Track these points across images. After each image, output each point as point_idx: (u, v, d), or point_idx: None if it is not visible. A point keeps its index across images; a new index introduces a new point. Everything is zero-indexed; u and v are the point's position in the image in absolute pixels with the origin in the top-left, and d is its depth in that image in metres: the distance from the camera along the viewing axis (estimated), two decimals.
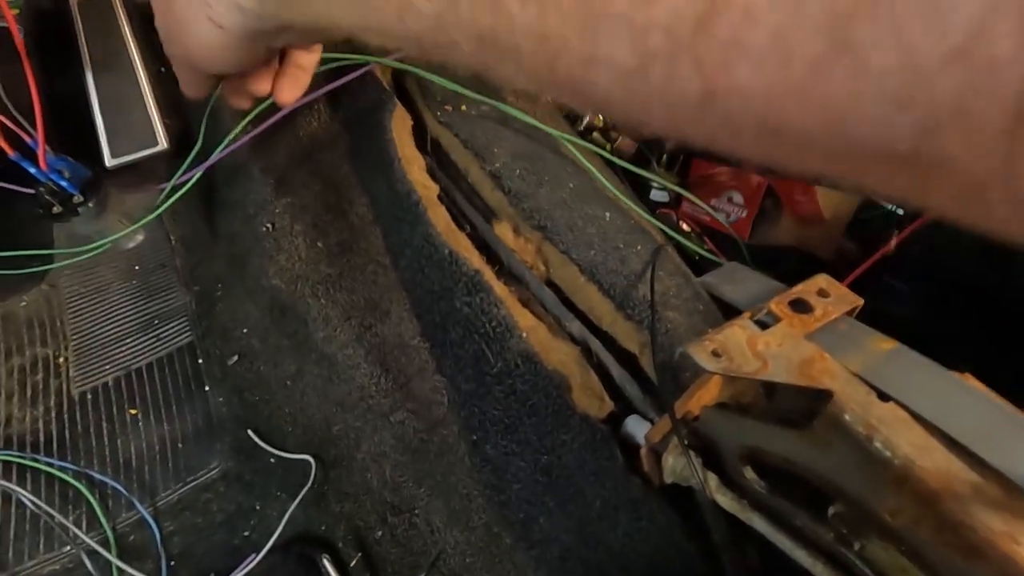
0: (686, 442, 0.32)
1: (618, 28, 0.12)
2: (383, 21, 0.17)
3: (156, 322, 0.64)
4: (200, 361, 0.60)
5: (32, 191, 0.49)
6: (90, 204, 0.48)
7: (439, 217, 0.42)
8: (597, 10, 0.12)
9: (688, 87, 0.11)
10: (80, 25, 0.62)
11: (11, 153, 0.45)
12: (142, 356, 0.61)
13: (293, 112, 0.56)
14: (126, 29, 0.63)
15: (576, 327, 0.40)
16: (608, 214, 0.46)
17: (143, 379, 0.59)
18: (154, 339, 0.63)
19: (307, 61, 0.33)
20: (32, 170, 0.46)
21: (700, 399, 0.33)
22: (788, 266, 0.62)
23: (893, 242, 0.48)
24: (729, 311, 0.40)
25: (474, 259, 0.39)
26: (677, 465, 0.32)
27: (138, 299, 0.66)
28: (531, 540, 0.38)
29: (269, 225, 0.55)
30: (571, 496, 0.35)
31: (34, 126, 0.45)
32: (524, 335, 0.36)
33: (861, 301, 0.27)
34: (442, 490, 0.42)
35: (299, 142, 0.55)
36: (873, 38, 0.09)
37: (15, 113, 0.45)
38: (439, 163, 0.51)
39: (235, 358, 0.59)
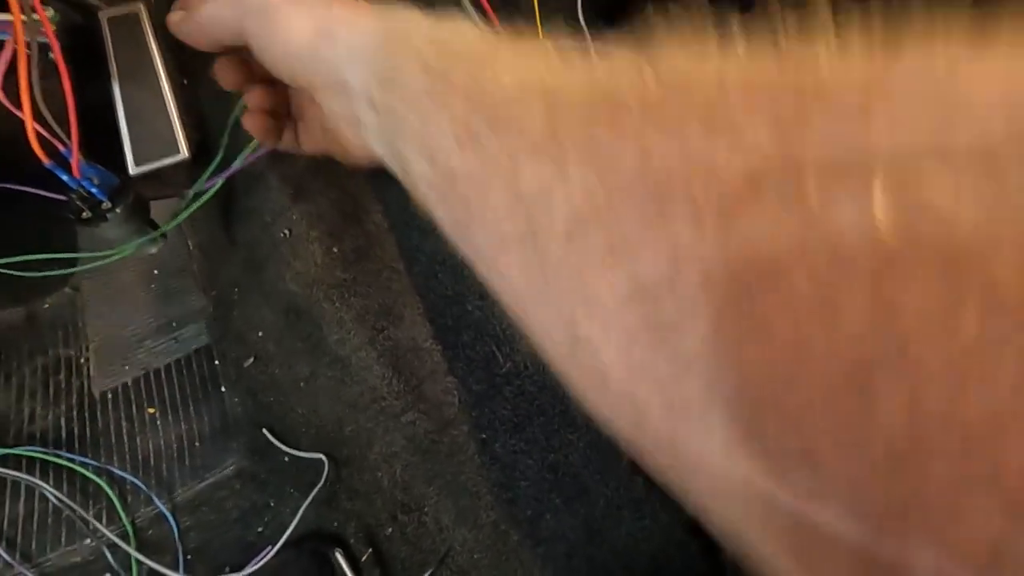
0: None
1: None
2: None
3: (175, 325, 0.66)
4: (216, 363, 0.62)
5: (63, 197, 0.51)
6: (117, 210, 0.50)
7: None
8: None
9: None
10: (109, 39, 0.65)
11: (46, 161, 0.47)
12: (161, 357, 0.63)
13: None
14: (152, 43, 0.66)
15: None
16: None
17: (161, 380, 0.61)
18: (172, 341, 0.65)
19: (318, 130, 0.31)
20: (64, 177, 0.48)
21: None
22: None
23: None
24: None
25: None
26: None
27: (157, 302, 0.68)
28: (538, 538, 0.39)
29: (286, 231, 0.57)
30: (577, 494, 0.36)
31: (68, 135, 0.47)
32: None
33: None
34: (451, 489, 0.44)
35: (323, 161, 0.58)
36: (887, 392, 0.08)
37: (51, 123, 0.47)
38: None
39: (251, 360, 0.60)
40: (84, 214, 0.50)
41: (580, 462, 0.36)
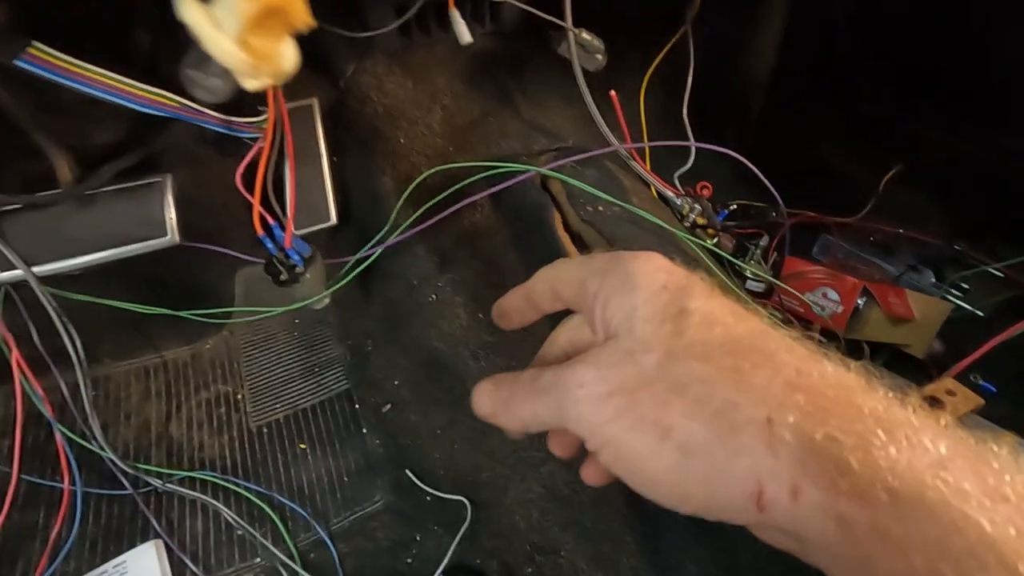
0: None
1: None
2: None
3: (316, 369, 0.75)
4: (357, 406, 0.70)
5: (260, 260, 0.62)
6: (307, 274, 0.60)
7: None
8: None
9: None
10: (288, 125, 0.77)
11: (260, 233, 0.57)
12: (306, 398, 0.72)
13: (461, 207, 0.68)
14: (319, 130, 0.78)
15: None
16: None
17: (308, 418, 0.70)
18: (316, 384, 0.73)
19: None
20: (269, 245, 0.59)
21: None
22: (881, 361, 0.69)
23: (985, 347, 0.55)
24: None
25: None
26: None
27: (300, 348, 0.78)
28: None
29: (433, 296, 0.66)
30: (724, 548, 0.42)
31: (282, 209, 0.58)
32: None
33: (983, 401, 0.35)
34: (591, 535, 0.50)
35: (462, 229, 0.67)
36: None
37: (273, 204, 0.58)
38: None
39: (388, 407, 0.68)
40: (282, 276, 0.60)
41: (736, 525, 0.41)
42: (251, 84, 0.29)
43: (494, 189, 0.65)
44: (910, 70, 0.99)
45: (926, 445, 0.15)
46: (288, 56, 0.28)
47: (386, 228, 0.67)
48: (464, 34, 0.55)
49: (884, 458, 0.15)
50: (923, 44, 0.98)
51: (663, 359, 0.18)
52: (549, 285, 0.24)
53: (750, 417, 0.16)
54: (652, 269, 0.20)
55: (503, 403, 0.22)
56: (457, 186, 0.68)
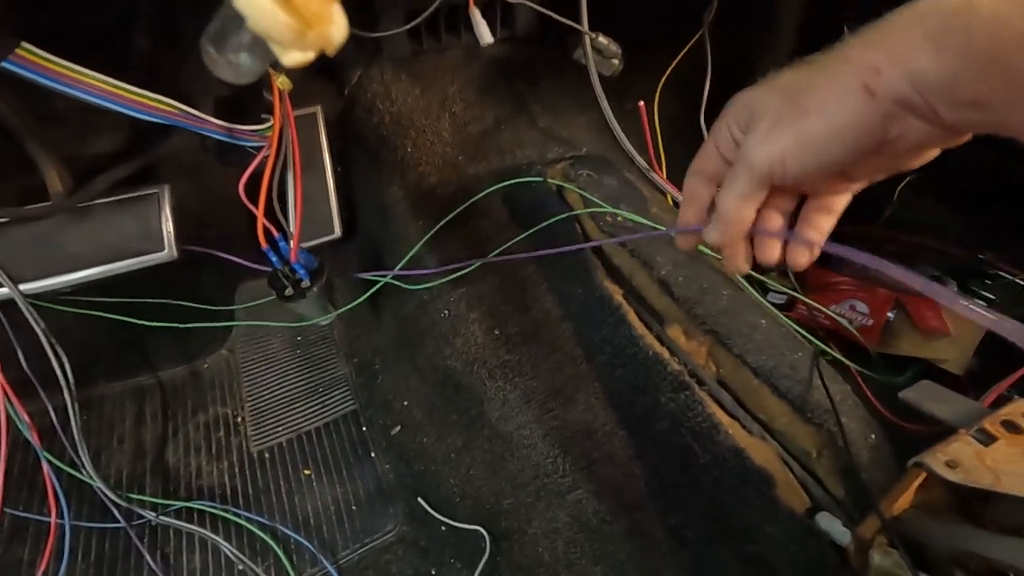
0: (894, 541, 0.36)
1: None
2: None
3: (321, 390, 0.71)
4: (364, 429, 0.67)
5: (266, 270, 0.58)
6: (314, 289, 0.56)
7: (636, 320, 0.49)
8: None
9: None
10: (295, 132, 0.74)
11: (264, 246, 0.54)
12: (310, 420, 0.68)
13: (469, 213, 0.65)
14: (323, 139, 0.75)
15: (756, 428, 0.45)
16: (763, 321, 0.52)
17: (313, 442, 0.66)
18: (320, 405, 0.70)
19: (839, 204, 0.27)
20: (273, 258, 0.55)
21: (899, 503, 0.37)
22: (912, 375, 0.66)
23: None
24: (913, 418, 0.44)
25: (675, 360, 0.45)
26: (884, 562, 0.36)
27: (303, 367, 0.74)
28: None
29: (446, 311, 0.62)
30: None
31: (286, 221, 0.55)
32: (731, 431, 0.41)
33: None
34: (624, 571, 0.46)
35: (476, 241, 0.64)
36: None
37: (279, 216, 0.54)
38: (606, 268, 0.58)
39: (397, 429, 0.65)
40: (287, 291, 0.57)
41: (780, 555, 0.38)
42: (291, 57, 0.25)
43: (503, 184, 0.62)
44: None
45: None
46: (338, 21, 0.25)
47: (413, 251, 0.63)
48: (485, 34, 0.53)
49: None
50: None
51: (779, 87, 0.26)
52: (718, 141, 0.28)
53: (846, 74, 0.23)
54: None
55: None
56: (472, 200, 0.65)
